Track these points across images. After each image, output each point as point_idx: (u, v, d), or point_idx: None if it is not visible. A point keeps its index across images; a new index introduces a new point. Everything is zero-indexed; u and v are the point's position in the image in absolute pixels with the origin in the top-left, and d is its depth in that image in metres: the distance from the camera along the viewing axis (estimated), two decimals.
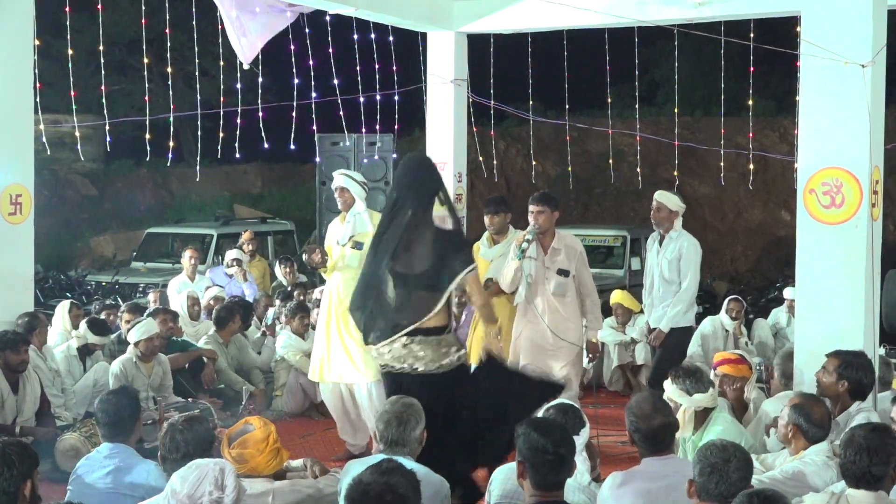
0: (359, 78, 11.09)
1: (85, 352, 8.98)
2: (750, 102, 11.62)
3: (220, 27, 9.94)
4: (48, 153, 10.25)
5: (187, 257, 12.21)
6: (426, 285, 6.15)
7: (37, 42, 8.58)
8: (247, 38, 9.54)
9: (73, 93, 9.14)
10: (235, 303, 10.41)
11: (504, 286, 8.17)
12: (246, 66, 9.74)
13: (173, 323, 9.59)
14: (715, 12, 9.91)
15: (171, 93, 10.19)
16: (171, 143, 9.80)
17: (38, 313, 8.79)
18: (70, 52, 9.38)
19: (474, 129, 12.09)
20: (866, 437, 4.36)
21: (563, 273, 8.03)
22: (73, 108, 9.93)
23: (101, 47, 9.94)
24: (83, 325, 9.08)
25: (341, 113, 10.83)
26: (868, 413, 6.18)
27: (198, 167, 11.43)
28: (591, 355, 8.34)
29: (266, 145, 10.31)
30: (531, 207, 8.07)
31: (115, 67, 17.82)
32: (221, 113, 10.15)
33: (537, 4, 10.43)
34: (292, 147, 10.56)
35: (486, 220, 8.67)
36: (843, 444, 4.44)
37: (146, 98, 10.62)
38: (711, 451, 4.23)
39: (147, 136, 9.84)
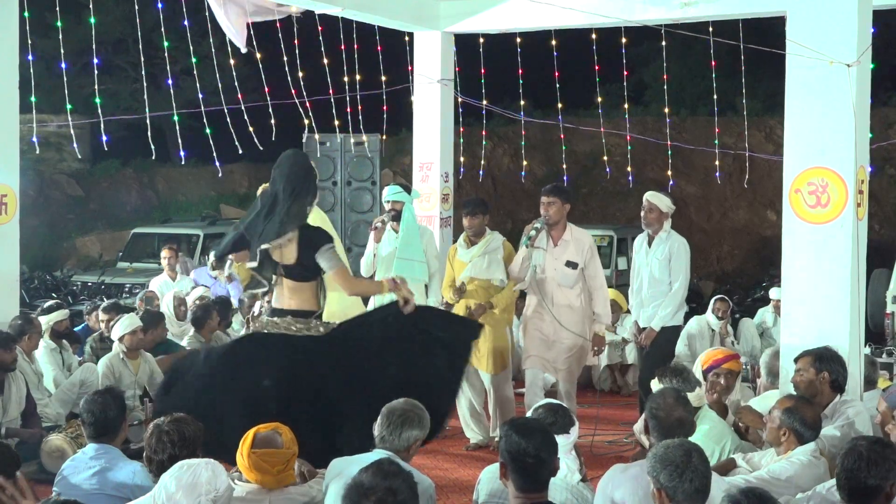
0: (351, 78, 11.09)
1: (57, 337, 8.94)
2: (744, 102, 11.65)
3: (209, 25, 9.92)
4: (37, 152, 10.24)
5: (164, 257, 12.18)
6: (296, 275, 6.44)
7: (60, 38, 8.57)
8: (233, 25, 9.57)
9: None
10: (212, 301, 10.41)
11: (513, 275, 8.34)
12: (244, 51, 9.75)
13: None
14: (701, 12, 9.94)
15: (149, 94, 10.10)
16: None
17: (34, 319, 8.81)
18: (83, 49, 9.39)
19: (463, 130, 12.08)
20: (869, 449, 4.23)
21: (572, 265, 8.18)
22: (68, 107, 9.92)
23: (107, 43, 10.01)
24: (41, 318, 9.08)
25: (299, 113, 10.80)
26: (855, 404, 6.21)
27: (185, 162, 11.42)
28: (595, 348, 8.40)
29: (260, 146, 10.30)
30: (542, 198, 8.26)
31: (101, 68, 17.78)
32: (184, 113, 10.15)
33: (524, 4, 10.44)
34: (318, 141, 10.48)
35: (465, 221, 8.66)
36: (843, 454, 4.32)
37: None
38: (671, 451, 4.16)
39: (151, 134, 9.82)
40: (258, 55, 9.74)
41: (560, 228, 8.27)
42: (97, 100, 10.01)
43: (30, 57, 8.82)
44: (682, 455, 4.12)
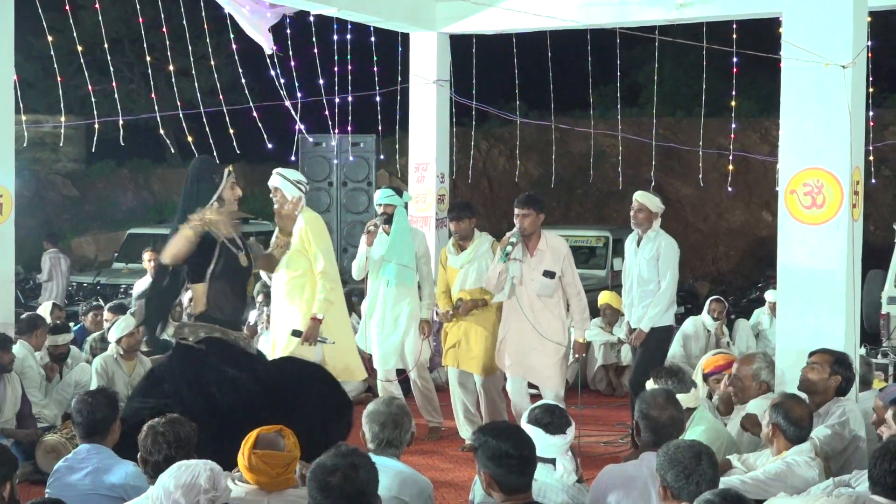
0: (348, 77, 11.10)
1: (54, 358, 8.92)
2: (733, 104, 11.65)
3: (206, 26, 9.94)
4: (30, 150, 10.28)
5: (146, 259, 12.18)
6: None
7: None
8: (257, 30, 9.68)
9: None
10: None
11: (489, 288, 8.22)
12: (268, 52, 9.81)
13: None
14: (696, 14, 9.96)
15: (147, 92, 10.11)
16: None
17: (41, 315, 8.82)
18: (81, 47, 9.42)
19: (479, 132, 12.08)
20: None
21: (549, 275, 8.07)
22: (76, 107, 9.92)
23: (104, 45, 10.06)
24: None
25: (306, 113, 10.83)
26: (848, 403, 6.22)
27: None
28: (576, 355, 8.31)
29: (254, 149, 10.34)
30: (516, 210, 8.13)
31: (96, 67, 17.75)
32: (175, 115, 10.18)
33: (519, 6, 10.45)
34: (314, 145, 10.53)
35: (451, 226, 8.58)
36: (877, 453, 4.38)
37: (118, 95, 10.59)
38: (681, 452, 4.21)
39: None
40: (274, 53, 9.80)
41: (535, 238, 8.15)
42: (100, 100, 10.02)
43: (51, 51, 8.81)
44: (691, 457, 4.16)
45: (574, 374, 9.33)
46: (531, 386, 8.48)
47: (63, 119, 11.40)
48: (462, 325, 8.50)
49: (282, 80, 9.98)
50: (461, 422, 8.71)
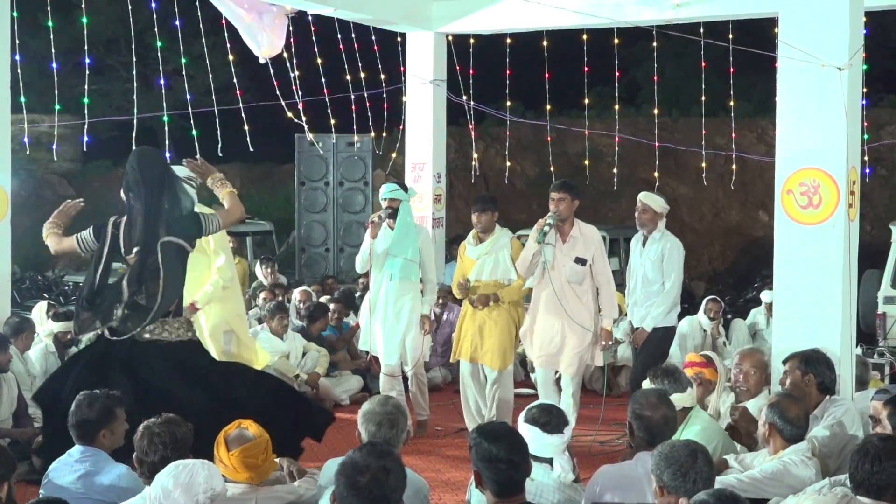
0: (348, 77, 11.10)
1: (60, 346, 8.93)
2: (732, 104, 11.67)
3: (201, 26, 9.93)
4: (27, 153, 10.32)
5: None
6: None
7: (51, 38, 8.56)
8: (267, 35, 9.69)
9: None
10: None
11: (521, 270, 8.29)
12: (262, 61, 9.85)
13: None
14: (693, 13, 9.97)
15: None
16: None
17: (30, 319, 8.79)
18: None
19: (473, 131, 12.08)
20: (877, 445, 4.31)
21: (580, 261, 8.18)
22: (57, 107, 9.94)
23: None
24: (48, 320, 9.07)
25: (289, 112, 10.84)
26: (844, 403, 6.23)
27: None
28: (603, 343, 8.34)
29: (251, 148, 10.33)
30: (552, 195, 8.25)
31: (92, 68, 17.76)
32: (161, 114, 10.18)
33: (516, 5, 10.46)
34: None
35: (474, 217, 8.65)
36: (856, 450, 4.40)
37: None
38: (677, 450, 4.23)
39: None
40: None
41: (569, 225, 8.27)
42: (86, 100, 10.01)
43: (17, 57, 8.83)
44: (687, 455, 4.18)
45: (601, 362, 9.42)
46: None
47: (42, 119, 11.36)
48: (477, 318, 8.52)
49: (289, 77, 10.02)
50: (472, 416, 8.70)
